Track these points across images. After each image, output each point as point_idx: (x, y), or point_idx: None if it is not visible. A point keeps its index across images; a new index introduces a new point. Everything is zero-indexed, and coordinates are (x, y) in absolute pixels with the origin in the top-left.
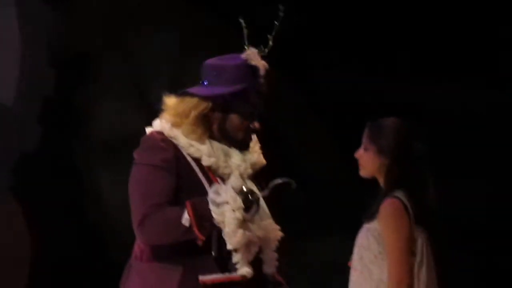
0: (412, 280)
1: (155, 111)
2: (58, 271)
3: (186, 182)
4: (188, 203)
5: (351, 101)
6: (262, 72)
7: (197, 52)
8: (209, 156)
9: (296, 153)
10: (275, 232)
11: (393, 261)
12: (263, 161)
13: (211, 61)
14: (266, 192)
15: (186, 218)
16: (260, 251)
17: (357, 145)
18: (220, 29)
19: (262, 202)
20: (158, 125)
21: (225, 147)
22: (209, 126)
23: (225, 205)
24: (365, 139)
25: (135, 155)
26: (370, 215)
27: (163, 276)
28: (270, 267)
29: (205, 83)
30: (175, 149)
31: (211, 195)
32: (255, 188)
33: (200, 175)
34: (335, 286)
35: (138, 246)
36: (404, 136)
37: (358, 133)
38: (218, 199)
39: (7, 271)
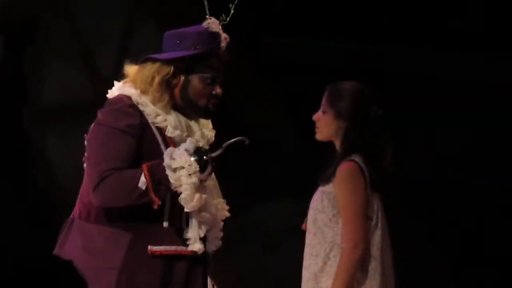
0: (367, 243)
1: (103, 77)
2: (5, 241)
3: (147, 151)
4: (144, 167)
5: (304, 64)
6: (223, 38)
7: (148, 20)
8: (175, 128)
9: (250, 119)
10: (223, 211)
11: (348, 224)
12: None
13: (172, 31)
14: (219, 151)
15: (142, 181)
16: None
17: (312, 110)
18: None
19: (213, 177)
20: (127, 89)
21: (188, 121)
22: (172, 94)
23: (181, 170)
24: (324, 102)
25: (100, 115)
26: (326, 178)
27: (111, 240)
28: (212, 245)
29: (166, 51)
30: (142, 116)
31: (166, 160)
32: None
33: (162, 146)
34: (290, 249)
35: (84, 206)
36: (363, 100)
37: (312, 98)
38: (174, 164)
39: None
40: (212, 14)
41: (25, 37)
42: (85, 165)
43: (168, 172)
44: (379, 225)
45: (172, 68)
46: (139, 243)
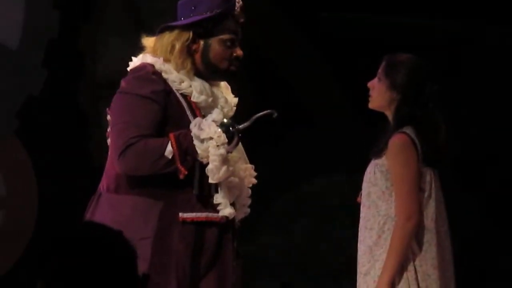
0: (421, 216)
1: None
2: (61, 215)
3: (173, 117)
4: (172, 136)
5: (358, 38)
6: (237, 1)
7: None
8: (200, 93)
9: (302, 92)
10: (250, 178)
11: (401, 196)
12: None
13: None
14: (246, 124)
15: (169, 150)
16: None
17: (364, 83)
18: None
19: (241, 146)
20: (149, 58)
21: (211, 87)
22: (194, 60)
23: (209, 140)
24: (380, 71)
25: (123, 83)
26: (378, 151)
27: (141, 209)
28: (240, 213)
29: (182, 19)
30: (165, 84)
31: (194, 130)
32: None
33: (188, 111)
34: (344, 223)
35: (112, 178)
36: (419, 74)
37: (365, 70)
38: (202, 135)
39: (15, 213)
40: None
41: (81, 13)
42: (108, 140)
43: (195, 142)
44: (433, 196)
45: (191, 34)
46: (170, 211)
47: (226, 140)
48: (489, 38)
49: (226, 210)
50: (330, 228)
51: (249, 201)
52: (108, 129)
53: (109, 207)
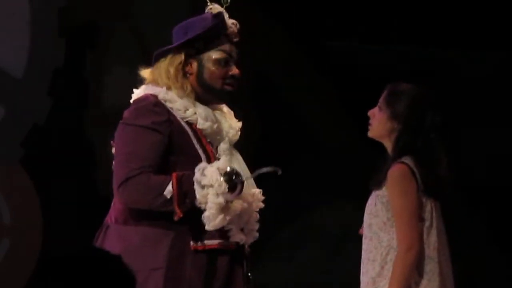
0: (422, 245)
1: None
2: (66, 244)
3: (178, 146)
4: (174, 176)
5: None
6: (231, 23)
7: None
8: (205, 119)
9: (306, 120)
10: (258, 202)
11: (402, 226)
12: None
13: (179, 24)
14: (250, 177)
15: (169, 190)
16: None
17: (365, 111)
18: None
19: (247, 172)
20: (151, 88)
21: (214, 112)
22: (191, 83)
23: (209, 188)
24: (381, 100)
25: (126, 114)
26: (378, 182)
27: (152, 240)
28: (250, 238)
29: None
30: (169, 113)
31: (197, 174)
32: (241, 166)
33: (194, 140)
34: (347, 254)
35: (119, 210)
36: (420, 104)
37: (367, 100)
38: (204, 181)
39: (20, 242)
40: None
41: (86, 40)
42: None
43: (196, 187)
44: (434, 225)
45: (183, 56)
46: (181, 241)
47: (227, 190)
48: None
49: (237, 236)
50: (336, 258)
51: (257, 226)
52: (113, 162)
53: (118, 238)
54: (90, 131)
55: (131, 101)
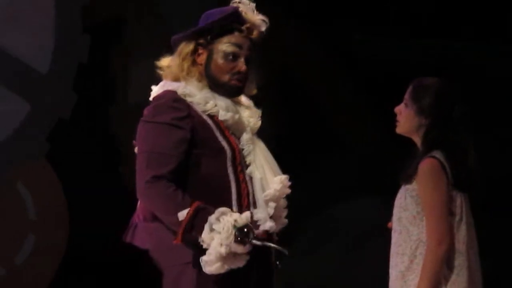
0: (452, 239)
1: None
2: (92, 239)
3: (201, 140)
4: (194, 205)
5: (387, 60)
6: (256, 18)
7: None
8: (226, 110)
9: (332, 116)
10: (285, 188)
11: (432, 221)
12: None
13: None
14: (259, 242)
15: (182, 214)
16: None
17: (393, 105)
18: None
19: (271, 159)
20: (169, 84)
21: (233, 103)
22: (201, 75)
23: (217, 234)
24: (407, 96)
25: (146, 111)
26: (408, 176)
27: None
28: (278, 224)
29: None
30: (189, 108)
31: (212, 216)
32: (264, 154)
33: (217, 132)
34: (375, 248)
35: (147, 208)
36: (447, 98)
37: (393, 94)
38: (215, 225)
39: (46, 237)
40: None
41: (111, 36)
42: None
43: (206, 227)
44: (464, 220)
45: (192, 45)
46: None
47: (232, 242)
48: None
49: (266, 224)
50: (359, 253)
51: (285, 212)
52: (136, 161)
53: (148, 236)
54: (115, 126)
55: (151, 98)
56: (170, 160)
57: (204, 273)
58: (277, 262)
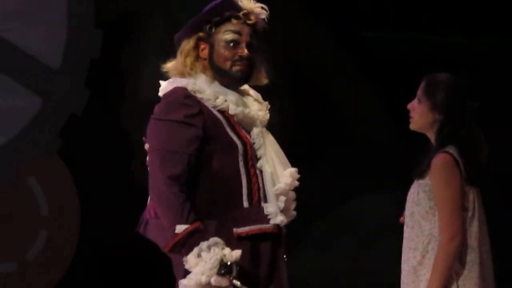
0: (465, 235)
1: None
2: (104, 234)
3: (212, 136)
4: (195, 224)
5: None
6: (255, 7)
7: None
8: (237, 104)
9: (343, 112)
10: (294, 181)
11: (445, 216)
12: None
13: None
14: (239, 285)
15: (180, 228)
16: None
17: (405, 102)
18: None
19: (280, 152)
20: (179, 81)
21: (241, 96)
22: (206, 68)
23: (202, 262)
24: (419, 92)
25: (157, 109)
26: (421, 171)
27: None
28: (287, 216)
29: None
30: (200, 104)
31: (204, 244)
32: (274, 148)
33: (227, 128)
34: (387, 243)
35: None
36: (459, 93)
37: (406, 89)
38: (204, 253)
39: (58, 233)
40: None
41: (123, 32)
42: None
43: (195, 250)
44: (476, 215)
45: (194, 40)
46: (224, 228)
47: (214, 276)
48: None
49: (277, 218)
50: (372, 248)
51: (294, 204)
52: (147, 157)
53: (160, 232)
54: (127, 122)
55: (160, 95)
56: (183, 158)
57: None
58: (284, 256)
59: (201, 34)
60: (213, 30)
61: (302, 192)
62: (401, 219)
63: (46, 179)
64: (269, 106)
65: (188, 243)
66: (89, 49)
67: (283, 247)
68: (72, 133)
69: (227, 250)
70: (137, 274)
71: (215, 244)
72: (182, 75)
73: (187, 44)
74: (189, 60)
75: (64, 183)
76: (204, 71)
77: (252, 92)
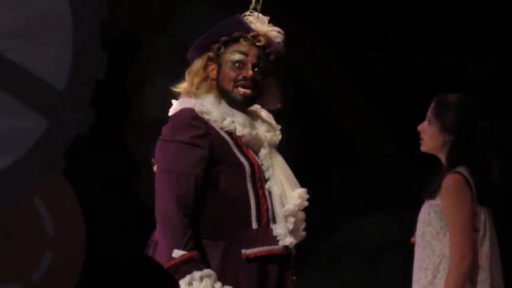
0: (476, 255)
1: None
2: (110, 255)
3: (219, 158)
4: (192, 252)
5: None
6: (263, 23)
7: None
8: (244, 126)
9: (347, 131)
10: (303, 202)
11: (455, 236)
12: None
13: None
14: None
15: (177, 253)
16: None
17: (415, 121)
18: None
19: (288, 171)
20: (187, 102)
21: (248, 117)
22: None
23: None
24: (429, 113)
25: (164, 130)
26: (432, 192)
27: (203, 251)
28: (296, 237)
29: None
30: (207, 125)
31: (197, 274)
32: (282, 166)
33: (234, 149)
34: (393, 263)
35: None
36: (470, 113)
37: (415, 109)
38: (195, 283)
39: (64, 253)
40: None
41: (128, 52)
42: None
43: (187, 277)
44: (487, 236)
45: (201, 61)
46: (233, 249)
47: None
48: None
49: (286, 240)
50: (378, 268)
51: (303, 225)
52: (155, 179)
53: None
54: (132, 142)
55: (169, 114)
56: (189, 179)
57: None
58: (294, 278)
59: (210, 54)
60: (222, 50)
61: (308, 212)
62: (412, 239)
63: (51, 199)
64: (279, 128)
65: (181, 269)
66: (94, 70)
67: (291, 268)
68: (77, 153)
69: (218, 285)
70: None
71: (208, 276)
72: (189, 95)
73: (197, 64)
74: (196, 80)
75: (69, 204)
76: (210, 91)
77: (264, 113)
